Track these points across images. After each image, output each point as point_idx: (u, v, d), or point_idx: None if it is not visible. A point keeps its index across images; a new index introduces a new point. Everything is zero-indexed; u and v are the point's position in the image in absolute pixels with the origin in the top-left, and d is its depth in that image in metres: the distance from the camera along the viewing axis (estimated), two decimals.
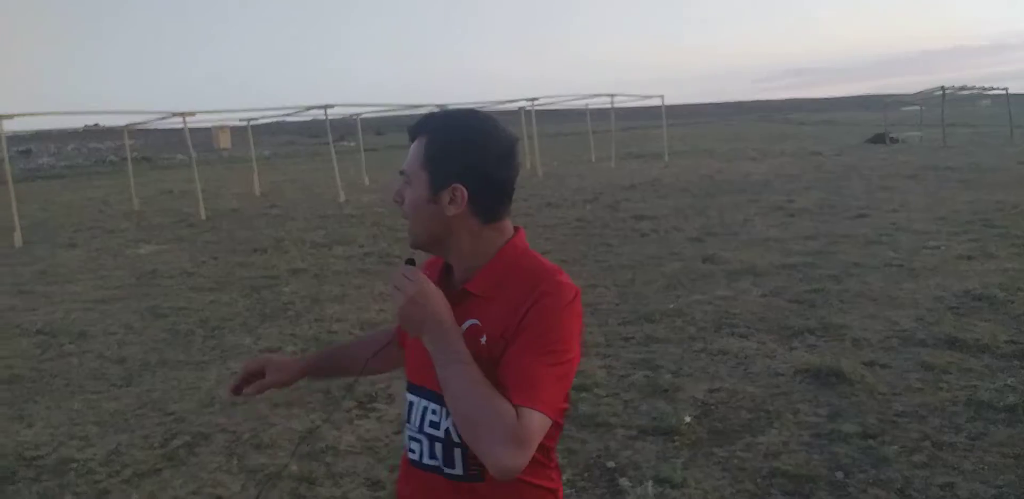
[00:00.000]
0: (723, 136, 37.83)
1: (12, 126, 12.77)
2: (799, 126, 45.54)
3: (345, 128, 43.50)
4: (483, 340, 1.21)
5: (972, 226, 8.61)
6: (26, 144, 48.52)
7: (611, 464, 3.32)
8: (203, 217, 13.65)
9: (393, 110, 20.77)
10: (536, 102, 21.72)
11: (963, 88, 29.19)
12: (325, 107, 16.65)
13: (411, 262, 1.24)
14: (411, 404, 1.33)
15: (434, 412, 1.27)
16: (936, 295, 5.72)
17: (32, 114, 13.47)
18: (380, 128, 63.54)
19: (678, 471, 3.18)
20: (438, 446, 1.26)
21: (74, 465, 3.59)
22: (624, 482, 3.14)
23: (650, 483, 3.10)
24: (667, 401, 3.96)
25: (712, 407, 3.88)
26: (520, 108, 22.65)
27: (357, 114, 21.98)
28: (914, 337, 4.77)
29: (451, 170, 1.22)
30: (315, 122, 23.80)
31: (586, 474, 3.26)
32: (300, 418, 4.04)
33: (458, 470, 1.25)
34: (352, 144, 36.87)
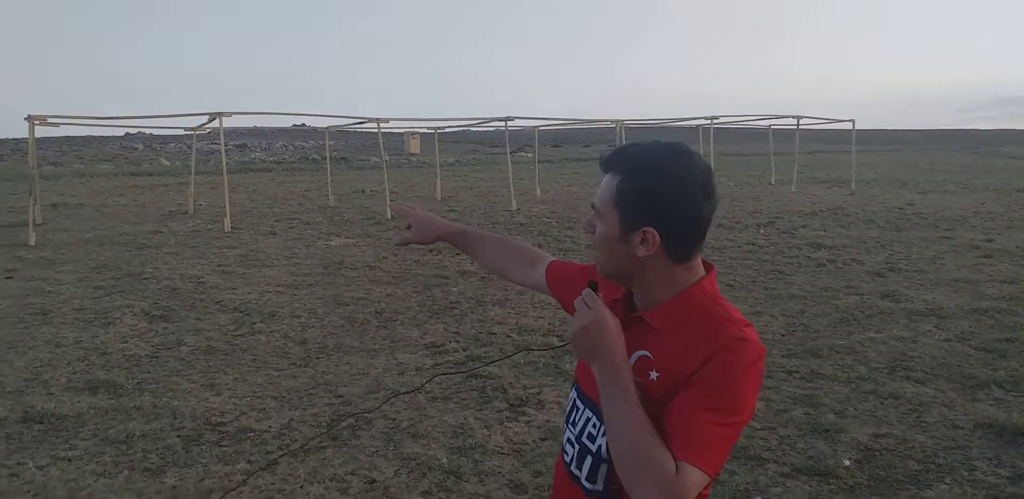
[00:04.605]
0: (919, 166, 34.94)
1: (230, 123, 14.19)
2: (1009, 160, 41.03)
3: (524, 139, 44.58)
4: (653, 375, 1.20)
5: None
6: (242, 138, 53.87)
7: None
8: (388, 216, 14.50)
9: (570, 124, 21.05)
10: (716, 121, 21.21)
11: None
12: (506, 119, 17.17)
13: (594, 286, 1.26)
14: (577, 407, 1.37)
15: (594, 426, 1.29)
16: None
17: (247, 113, 14.93)
18: (557, 141, 64.52)
19: None
20: (588, 459, 1.29)
21: (251, 435, 3.97)
22: None
23: None
24: (827, 441, 3.77)
25: (876, 453, 3.65)
26: (699, 126, 22.21)
27: (536, 127, 22.48)
28: None
29: (643, 213, 1.20)
30: (496, 132, 24.58)
31: None
32: (455, 413, 4.23)
33: (599, 486, 1.27)
34: (529, 155, 37.73)
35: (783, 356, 5.21)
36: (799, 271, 8.46)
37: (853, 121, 23.33)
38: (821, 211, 14.91)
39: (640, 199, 1.20)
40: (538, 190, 20.17)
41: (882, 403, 4.31)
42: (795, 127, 23.12)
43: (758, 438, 3.81)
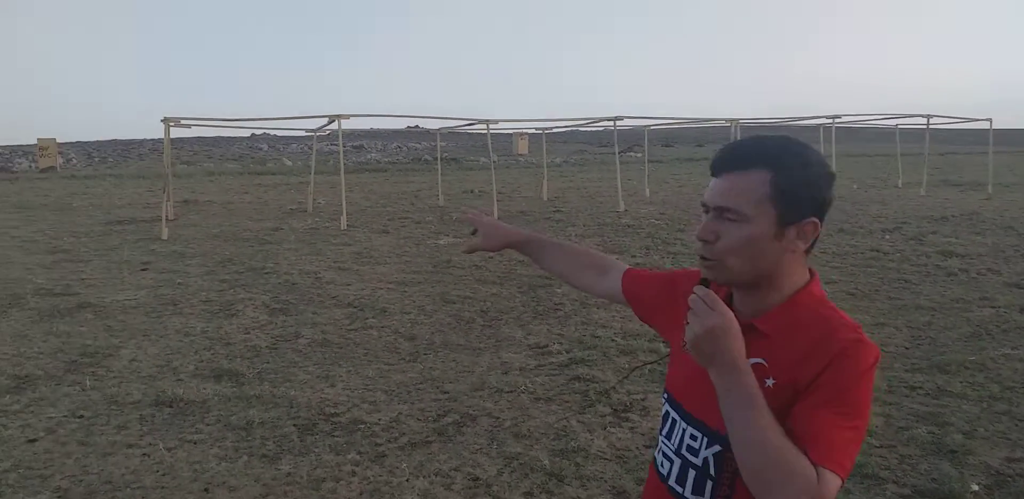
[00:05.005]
0: None
1: (348, 124, 14.74)
2: None
3: (634, 138, 44.14)
4: (769, 383, 1.17)
5: None
6: (359, 140, 55.89)
7: None
8: (495, 217, 14.66)
9: (682, 123, 20.64)
10: (839, 120, 20.26)
11: None
12: (615, 118, 17.03)
13: (706, 283, 1.21)
14: (672, 420, 1.33)
15: (693, 438, 1.26)
16: None
17: (364, 115, 15.48)
18: (668, 140, 63.45)
19: None
20: (691, 473, 1.26)
21: (362, 426, 4.10)
22: None
23: None
24: (952, 463, 3.53)
25: (1008, 478, 3.39)
26: (820, 125, 21.30)
27: (646, 126, 22.18)
28: None
29: (805, 205, 1.19)
30: (605, 132, 24.44)
31: None
32: (557, 415, 4.22)
33: None
34: (639, 154, 37.30)
35: (907, 371, 4.92)
36: (927, 280, 7.97)
37: (990, 120, 21.80)
38: (953, 216, 13.98)
39: (802, 191, 1.19)
40: (647, 191, 19.89)
41: (1016, 425, 4.00)
42: (925, 127, 21.80)
43: (876, 456, 3.61)
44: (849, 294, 7.21)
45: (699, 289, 1.16)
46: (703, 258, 1.23)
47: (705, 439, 1.23)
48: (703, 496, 1.24)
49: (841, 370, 1.12)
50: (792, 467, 1.04)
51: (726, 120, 18.40)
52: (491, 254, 9.94)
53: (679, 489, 1.27)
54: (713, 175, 1.25)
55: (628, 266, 1.65)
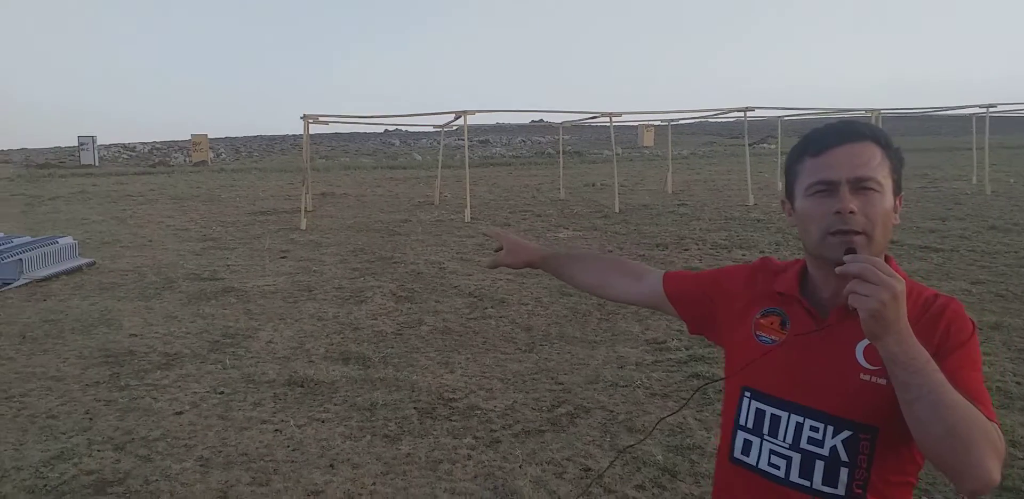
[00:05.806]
0: None
1: (474, 120, 15.07)
2: None
3: (767, 130, 42.51)
4: None
5: None
6: (485, 135, 56.93)
7: None
8: (616, 210, 14.56)
9: (818, 114, 19.66)
10: (994, 109, 18.68)
11: None
12: (744, 110, 16.46)
13: (854, 251, 1.16)
14: (773, 416, 1.30)
15: (814, 429, 1.24)
16: None
17: (489, 110, 15.74)
18: (804, 131, 60.64)
19: None
20: (818, 464, 1.23)
21: (478, 412, 4.21)
22: None
23: None
24: None
25: None
26: (972, 115, 19.74)
27: (779, 117, 21.30)
28: None
29: (901, 179, 1.26)
30: (737, 123, 23.64)
31: None
32: (673, 410, 4.16)
33: (840, 490, 1.21)
34: (772, 146, 35.91)
35: None
36: None
37: None
38: None
39: (902, 165, 1.26)
40: (779, 184, 19.05)
41: None
42: None
43: (1020, 468, 3.35)
44: (998, 296, 6.66)
45: (860, 257, 1.10)
46: (848, 232, 1.18)
47: (830, 428, 1.22)
48: (836, 485, 1.22)
49: (960, 331, 1.18)
50: (985, 424, 1.07)
51: (866, 110, 17.39)
52: (609, 248, 9.87)
53: (805, 483, 1.24)
54: (818, 153, 1.25)
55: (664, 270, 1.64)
